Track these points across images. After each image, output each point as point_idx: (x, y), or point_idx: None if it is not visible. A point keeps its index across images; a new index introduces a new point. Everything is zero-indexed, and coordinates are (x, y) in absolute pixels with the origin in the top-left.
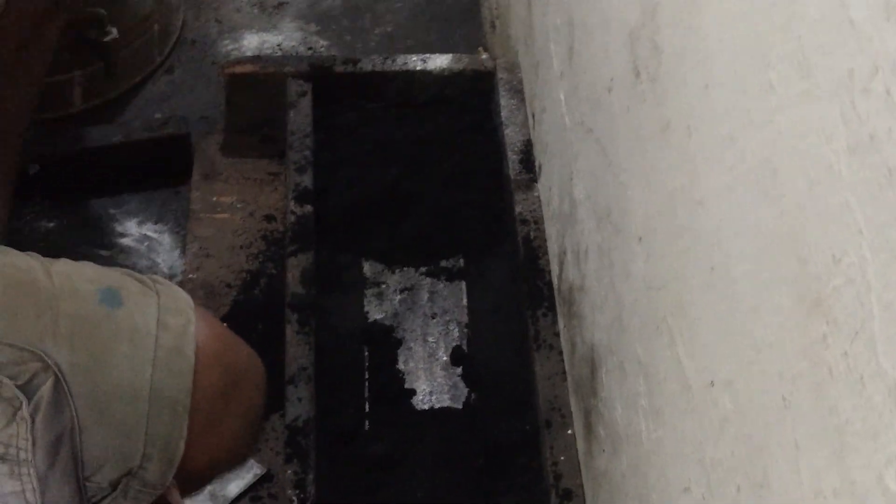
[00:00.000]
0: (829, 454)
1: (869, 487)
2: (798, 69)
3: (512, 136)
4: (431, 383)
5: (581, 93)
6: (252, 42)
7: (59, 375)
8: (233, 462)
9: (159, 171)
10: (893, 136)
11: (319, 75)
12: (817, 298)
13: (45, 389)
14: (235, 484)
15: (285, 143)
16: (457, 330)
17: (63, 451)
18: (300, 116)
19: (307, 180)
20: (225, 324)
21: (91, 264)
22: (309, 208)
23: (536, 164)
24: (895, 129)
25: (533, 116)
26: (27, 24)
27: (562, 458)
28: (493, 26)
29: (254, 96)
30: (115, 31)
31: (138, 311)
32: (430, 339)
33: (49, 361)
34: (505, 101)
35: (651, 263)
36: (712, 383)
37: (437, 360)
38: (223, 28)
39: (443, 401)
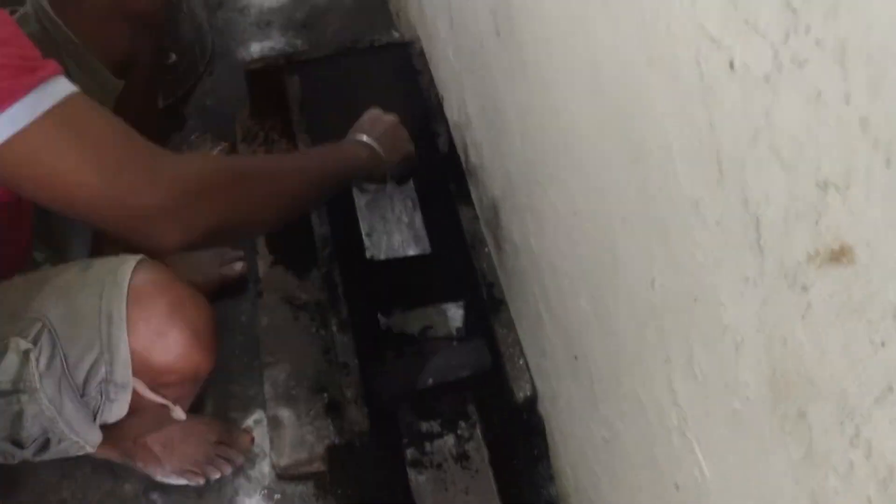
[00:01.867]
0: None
1: None
2: None
3: (423, 80)
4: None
5: (463, 48)
6: (256, 48)
7: (50, 326)
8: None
9: None
10: None
11: (299, 63)
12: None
13: (44, 338)
14: None
15: (291, 112)
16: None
17: (58, 373)
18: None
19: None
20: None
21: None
22: None
23: (439, 96)
24: None
25: (432, 67)
26: (139, 94)
27: (484, 265)
28: (398, 16)
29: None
30: (174, 56)
31: (102, 268)
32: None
33: (45, 321)
34: (415, 59)
35: (525, 143)
36: (576, 213)
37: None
38: (237, 42)
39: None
